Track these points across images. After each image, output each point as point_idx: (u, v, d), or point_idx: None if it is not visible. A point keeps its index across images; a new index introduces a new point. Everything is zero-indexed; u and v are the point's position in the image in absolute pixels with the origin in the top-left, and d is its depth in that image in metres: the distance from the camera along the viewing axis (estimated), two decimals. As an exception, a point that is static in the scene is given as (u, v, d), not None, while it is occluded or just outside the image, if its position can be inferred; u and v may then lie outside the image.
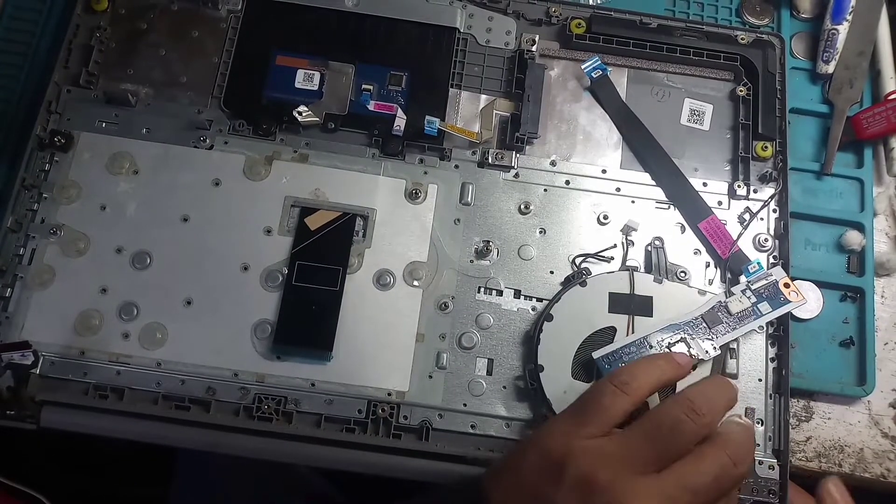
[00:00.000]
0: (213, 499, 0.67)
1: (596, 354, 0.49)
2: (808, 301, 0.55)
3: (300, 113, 0.55)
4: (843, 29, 0.62)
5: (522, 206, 0.55)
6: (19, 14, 0.62)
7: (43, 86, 0.56)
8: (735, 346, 0.52)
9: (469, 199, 0.55)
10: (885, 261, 0.59)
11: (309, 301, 0.52)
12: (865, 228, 0.59)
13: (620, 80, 0.59)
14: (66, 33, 0.57)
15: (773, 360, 0.52)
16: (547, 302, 0.53)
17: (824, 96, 0.63)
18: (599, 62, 0.58)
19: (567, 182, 0.56)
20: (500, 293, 0.54)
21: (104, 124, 0.56)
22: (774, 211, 0.56)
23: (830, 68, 0.62)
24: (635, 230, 0.55)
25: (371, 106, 0.57)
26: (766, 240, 0.55)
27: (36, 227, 0.53)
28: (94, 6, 0.58)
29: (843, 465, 0.55)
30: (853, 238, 0.58)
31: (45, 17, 0.62)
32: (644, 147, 0.57)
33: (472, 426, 0.51)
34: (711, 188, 0.57)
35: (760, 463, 0.49)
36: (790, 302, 0.51)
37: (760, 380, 0.52)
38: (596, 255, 0.54)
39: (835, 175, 0.60)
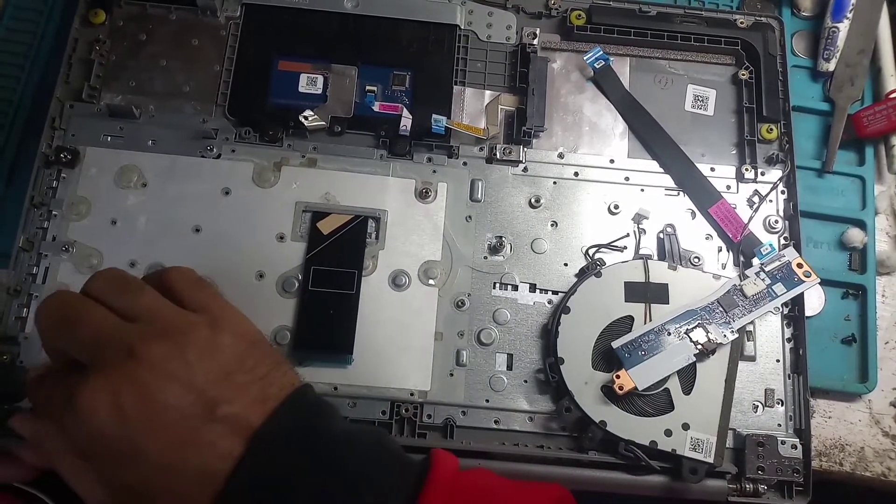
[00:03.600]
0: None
1: (615, 344, 0.50)
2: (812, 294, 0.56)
3: (306, 118, 0.55)
4: (844, 27, 0.63)
5: (533, 200, 0.55)
6: (20, 14, 0.62)
7: (42, 91, 0.56)
8: (752, 329, 0.52)
9: (479, 196, 0.55)
10: (885, 258, 0.60)
11: (326, 305, 0.52)
12: (867, 225, 0.59)
13: (623, 69, 0.60)
14: (66, 48, 0.57)
15: (789, 340, 0.53)
16: (563, 294, 0.53)
17: (825, 94, 0.63)
18: (601, 52, 0.59)
19: (576, 174, 0.56)
20: (515, 288, 0.54)
21: (109, 138, 0.55)
22: (783, 192, 0.56)
23: (831, 66, 0.63)
24: (647, 218, 0.55)
25: (376, 107, 0.57)
26: (776, 221, 0.55)
27: (48, 245, 0.52)
28: (91, 19, 0.58)
29: (844, 463, 0.56)
30: (855, 235, 0.59)
31: (46, 17, 0.62)
32: (650, 135, 0.57)
33: (496, 421, 0.51)
34: (719, 172, 0.57)
35: (783, 443, 0.50)
36: (804, 282, 0.51)
37: (778, 360, 0.52)
38: (609, 245, 0.55)
39: (836, 173, 0.61)
